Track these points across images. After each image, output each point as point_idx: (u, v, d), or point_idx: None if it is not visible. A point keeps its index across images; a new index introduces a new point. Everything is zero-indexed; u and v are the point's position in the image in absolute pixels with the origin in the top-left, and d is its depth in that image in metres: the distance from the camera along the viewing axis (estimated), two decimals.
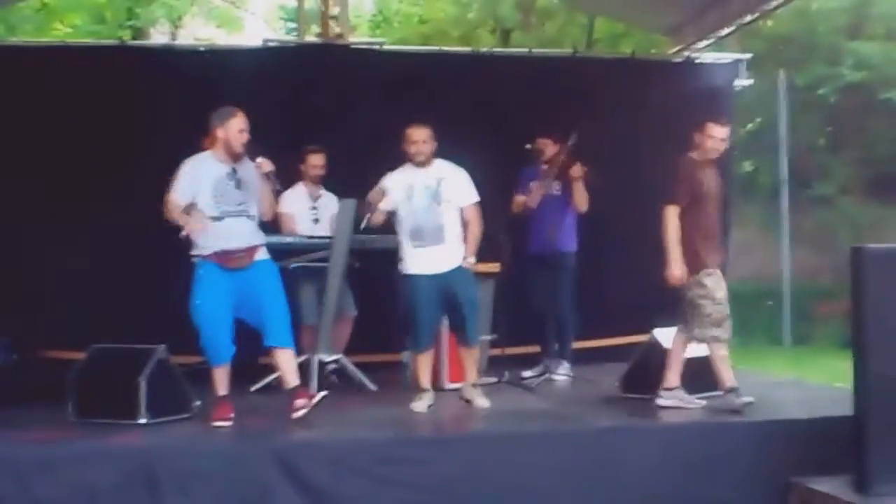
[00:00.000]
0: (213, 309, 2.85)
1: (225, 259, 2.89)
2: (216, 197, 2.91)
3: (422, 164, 3.24)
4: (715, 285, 3.13)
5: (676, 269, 3.09)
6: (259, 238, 3.00)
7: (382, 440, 2.79)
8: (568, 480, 2.73)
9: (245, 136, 2.93)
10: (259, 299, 2.91)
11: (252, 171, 2.97)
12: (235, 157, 2.95)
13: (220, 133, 2.93)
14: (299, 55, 4.55)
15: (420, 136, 3.23)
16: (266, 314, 2.91)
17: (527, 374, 3.93)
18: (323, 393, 2.90)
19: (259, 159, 2.95)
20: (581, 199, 3.92)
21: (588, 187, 3.89)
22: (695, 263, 3.12)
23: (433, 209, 3.21)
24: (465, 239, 3.27)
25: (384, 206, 3.20)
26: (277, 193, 3.09)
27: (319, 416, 2.94)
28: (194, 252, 2.92)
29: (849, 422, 2.67)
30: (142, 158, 4.34)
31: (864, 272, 2.61)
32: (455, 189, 3.25)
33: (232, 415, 2.89)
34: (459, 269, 3.25)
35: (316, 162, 3.88)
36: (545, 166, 3.94)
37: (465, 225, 3.27)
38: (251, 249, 2.95)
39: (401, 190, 3.23)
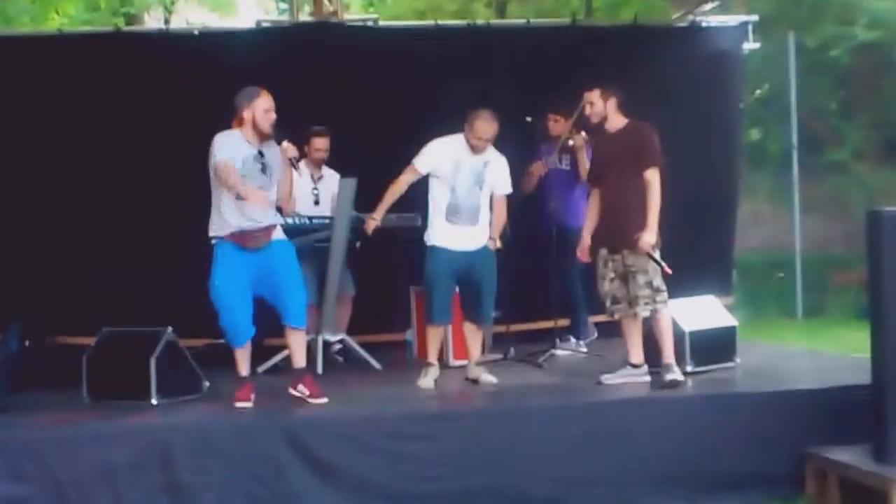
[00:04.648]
0: (232, 290, 2.93)
1: (243, 239, 2.95)
2: (243, 176, 2.95)
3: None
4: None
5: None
6: (275, 218, 3.06)
7: (391, 416, 2.85)
8: (578, 454, 2.78)
9: (271, 116, 2.98)
10: (276, 279, 2.99)
11: (277, 155, 3.03)
12: (263, 138, 2.99)
13: (245, 114, 2.97)
14: (293, 35, 4.56)
15: (489, 133, 3.23)
16: (283, 294, 2.99)
17: (558, 352, 3.92)
18: (324, 400, 2.98)
19: (284, 144, 3.01)
20: (584, 171, 3.89)
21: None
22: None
23: (475, 191, 3.27)
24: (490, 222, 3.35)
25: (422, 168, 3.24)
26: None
27: (327, 395, 3.01)
28: (212, 232, 2.99)
29: (867, 390, 2.67)
30: (141, 143, 4.34)
31: (880, 237, 2.60)
32: (497, 175, 3.32)
33: (253, 395, 2.98)
34: (485, 250, 3.31)
35: (320, 145, 3.91)
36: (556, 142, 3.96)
37: (491, 209, 3.34)
38: (268, 229, 3.01)
39: (449, 163, 3.25)
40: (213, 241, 2.97)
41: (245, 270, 2.93)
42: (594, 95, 3.19)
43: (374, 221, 3.31)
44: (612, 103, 3.17)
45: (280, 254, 2.99)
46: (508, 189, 3.34)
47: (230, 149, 2.91)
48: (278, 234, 3.04)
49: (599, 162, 3.25)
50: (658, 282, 3.11)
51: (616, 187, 3.14)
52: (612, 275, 3.18)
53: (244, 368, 2.99)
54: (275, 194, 3.02)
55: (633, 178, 3.08)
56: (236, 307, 2.91)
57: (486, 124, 3.19)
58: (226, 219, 2.92)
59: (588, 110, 3.20)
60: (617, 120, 3.20)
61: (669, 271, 3.09)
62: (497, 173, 3.29)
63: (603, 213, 3.22)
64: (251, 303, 2.95)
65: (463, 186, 3.23)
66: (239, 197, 2.88)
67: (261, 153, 2.96)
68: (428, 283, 3.26)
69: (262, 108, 2.93)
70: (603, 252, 3.21)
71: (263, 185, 2.97)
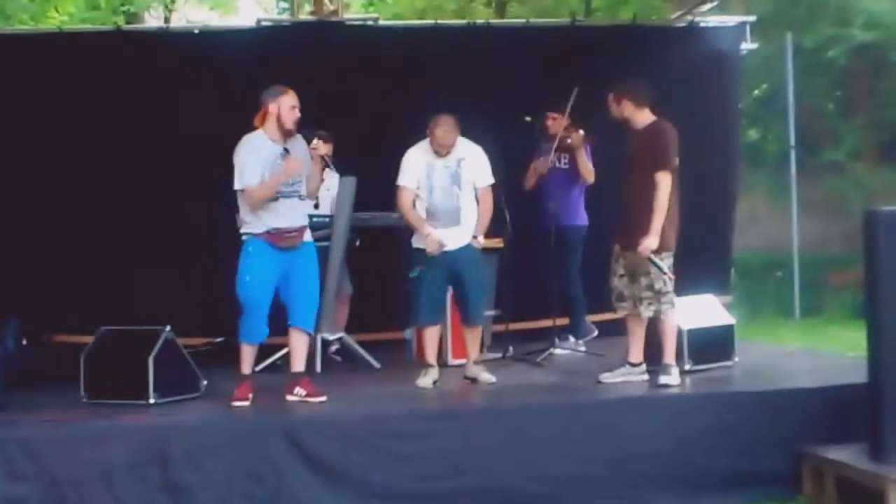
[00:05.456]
0: (260, 287, 2.93)
1: (277, 238, 2.95)
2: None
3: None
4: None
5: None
6: (306, 218, 3.06)
7: (389, 415, 2.85)
8: (576, 452, 2.78)
9: (296, 114, 2.97)
10: (297, 279, 2.99)
11: (303, 150, 3.02)
12: (287, 135, 2.99)
13: (272, 109, 2.96)
14: (293, 34, 4.56)
15: (450, 141, 3.22)
16: (300, 295, 2.99)
17: (557, 350, 3.92)
18: (323, 398, 2.97)
19: (315, 142, 3.00)
20: (585, 170, 3.90)
21: (594, 155, 3.90)
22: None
23: (452, 191, 3.26)
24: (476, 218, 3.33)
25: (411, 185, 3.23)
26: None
27: (326, 394, 3.00)
28: (245, 230, 2.98)
29: (863, 390, 2.67)
30: (141, 141, 4.33)
31: (877, 236, 2.61)
32: (474, 169, 3.29)
33: (251, 395, 2.98)
34: (468, 248, 3.30)
35: (323, 150, 3.86)
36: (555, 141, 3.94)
37: (476, 204, 3.31)
38: (301, 229, 3.02)
39: (422, 168, 3.26)
40: (244, 238, 2.95)
41: (274, 269, 2.93)
42: (609, 99, 3.16)
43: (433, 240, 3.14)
44: (626, 104, 3.13)
45: (307, 256, 3.00)
46: (490, 179, 3.30)
47: (257, 155, 2.89)
48: (308, 236, 3.04)
49: (624, 158, 3.19)
50: (660, 285, 3.08)
51: (631, 185, 3.12)
52: (621, 271, 3.16)
53: (247, 366, 2.99)
54: (304, 189, 3.01)
55: (646, 178, 3.06)
56: (260, 305, 2.91)
57: (445, 133, 3.18)
58: (261, 217, 2.91)
59: (614, 109, 3.16)
60: (641, 118, 3.16)
61: (672, 277, 3.05)
62: (474, 167, 3.26)
63: (620, 209, 3.19)
64: (271, 303, 2.95)
65: (439, 188, 3.22)
66: (276, 197, 2.85)
67: (286, 150, 2.95)
68: (414, 284, 3.26)
69: (288, 104, 2.93)
70: (616, 248, 3.20)
71: (293, 182, 2.95)
